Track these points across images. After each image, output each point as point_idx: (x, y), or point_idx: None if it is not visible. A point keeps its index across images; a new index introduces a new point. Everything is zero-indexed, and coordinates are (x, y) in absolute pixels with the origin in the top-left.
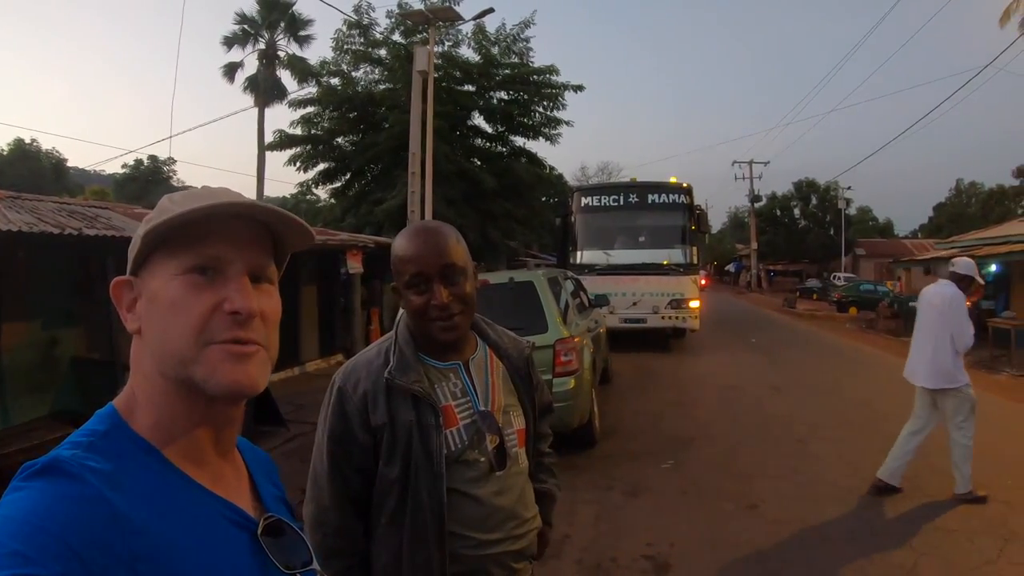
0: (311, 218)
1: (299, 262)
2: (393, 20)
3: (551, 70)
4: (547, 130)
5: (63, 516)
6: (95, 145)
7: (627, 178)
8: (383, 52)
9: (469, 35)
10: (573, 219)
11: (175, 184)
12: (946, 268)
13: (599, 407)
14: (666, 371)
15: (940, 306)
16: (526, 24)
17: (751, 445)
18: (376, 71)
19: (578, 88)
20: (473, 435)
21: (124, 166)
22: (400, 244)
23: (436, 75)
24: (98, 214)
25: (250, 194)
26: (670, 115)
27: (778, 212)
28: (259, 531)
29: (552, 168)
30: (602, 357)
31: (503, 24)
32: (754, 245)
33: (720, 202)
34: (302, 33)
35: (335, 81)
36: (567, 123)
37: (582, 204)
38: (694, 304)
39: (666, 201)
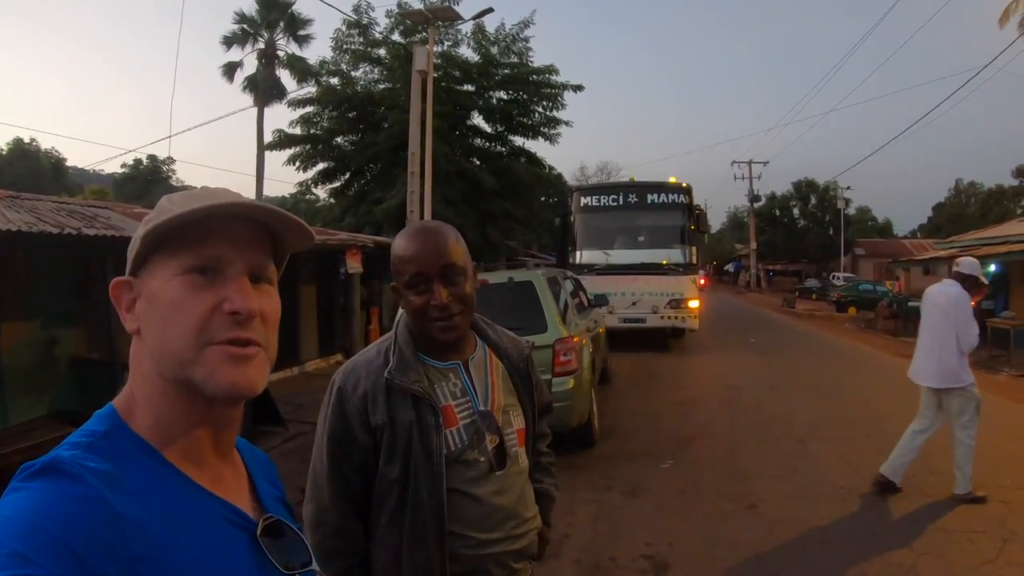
0: (310, 217)
1: (298, 262)
2: (392, 20)
3: (550, 70)
4: (546, 130)
5: (63, 517)
6: (94, 145)
7: (626, 178)
8: (382, 52)
9: (468, 35)
10: (572, 219)
11: (174, 184)
12: (946, 268)
13: (598, 407)
14: (665, 371)
15: (945, 306)
16: (525, 24)
17: (750, 445)
18: (375, 71)
19: (577, 88)
20: (473, 435)
21: (123, 166)
22: (400, 244)
23: (435, 75)
24: (97, 214)
25: (249, 194)
26: (669, 115)
27: (777, 212)
28: (258, 532)
29: (551, 168)
30: (601, 357)
31: (502, 24)
32: (753, 245)
33: (719, 202)
34: (301, 33)
35: (334, 81)
36: (566, 123)
37: (581, 204)
38: (693, 304)
39: (665, 201)
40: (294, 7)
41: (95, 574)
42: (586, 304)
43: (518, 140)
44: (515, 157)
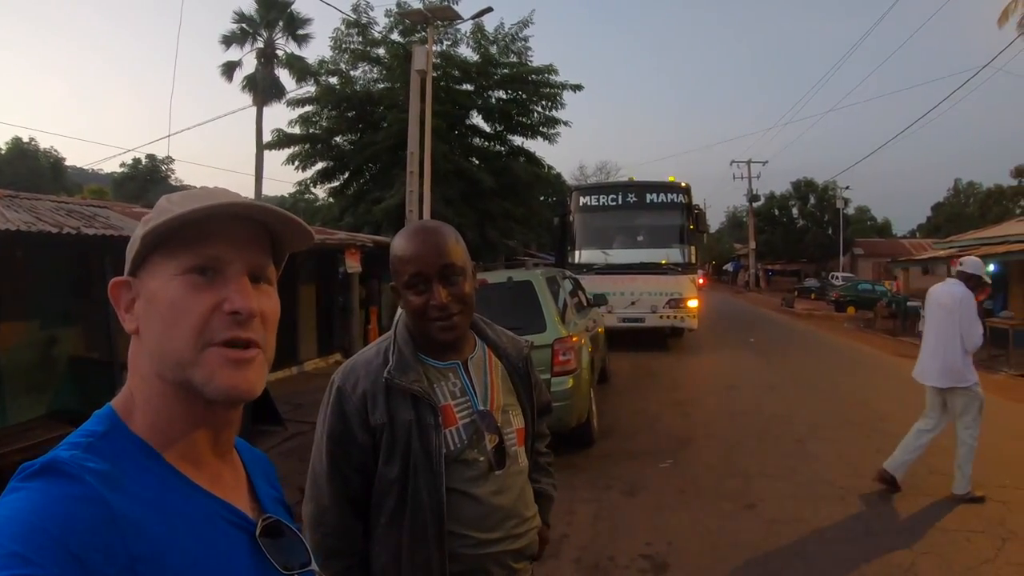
0: (309, 217)
1: (297, 261)
2: (392, 19)
3: (549, 69)
4: (545, 129)
5: (62, 517)
6: (93, 144)
7: (625, 177)
8: (381, 51)
9: (468, 34)
10: (571, 218)
11: (173, 183)
12: (944, 268)
13: (597, 406)
14: (664, 370)
15: (949, 305)
16: (525, 23)
17: (749, 445)
18: (374, 70)
19: (576, 87)
20: (472, 434)
21: (122, 165)
22: (399, 244)
23: (434, 74)
24: (96, 213)
25: (248, 193)
26: (668, 115)
27: (776, 212)
28: (257, 532)
29: (550, 167)
30: (600, 356)
31: (502, 23)
32: (752, 244)
33: (718, 202)
34: (300, 32)
35: (333, 80)
36: (565, 123)
37: (580, 203)
38: (692, 303)
39: (664, 200)
40: (293, 6)
41: (94, 574)
42: (585, 304)
43: (517, 140)
44: (514, 157)
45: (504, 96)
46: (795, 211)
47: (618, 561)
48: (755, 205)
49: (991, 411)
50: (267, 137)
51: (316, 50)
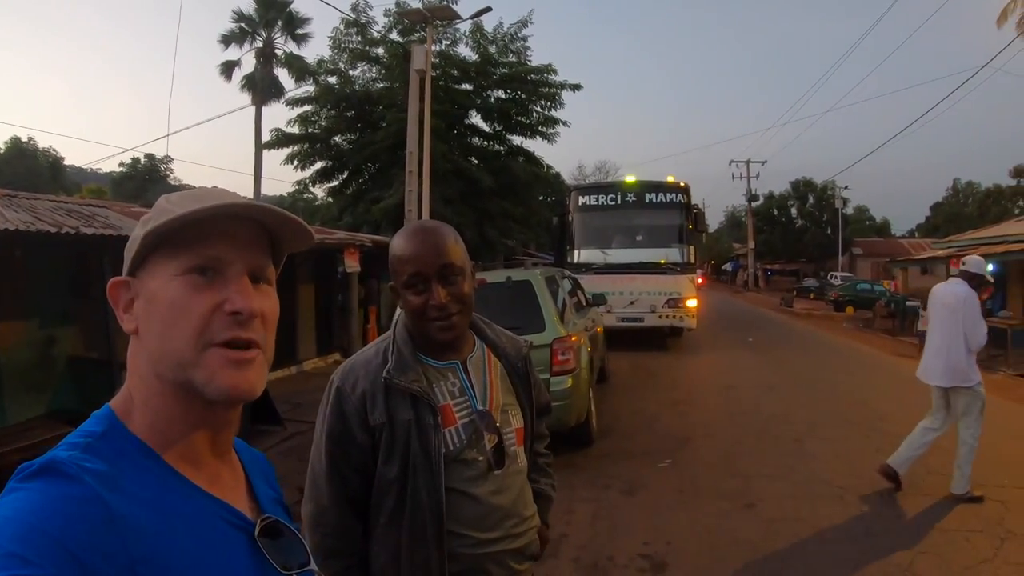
0: (308, 216)
1: (296, 261)
2: (391, 19)
3: (549, 69)
4: (544, 129)
5: (61, 518)
6: (92, 143)
7: (624, 177)
8: (380, 51)
9: (467, 34)
10: (570, 218)
11: (172, 183)
12: (943, 267)
13: (596, 406)
14: (663, 370)
15: (953, 305)
16: (524, 23)
17: (748, 444)
18: (373, 70)
19: (575, 87)
20: (471, 434)
21: (121, 164)
22: (398, 244)
23: (433, 74)
24: (95, 213)
25: (247, 192)
26: (667, 114)
27: (775, 211)
28: (256, 532)
29: (549, 167)
30: (599, 356)
31: (501, 23)
32: (751, 244)
33: (717, 201)
34: (299, 31)
35: (332, 80)
36: (564, 123)
37: (579, 203)
38: (691, 303)
39: (663, 200)
40: (292, 6)
41: (93, 575)
42: (584, 303)
43: (516, 139)
44: (513, 156)
45: (503, 96)
46: (794, 211)
47: (617, 560)
48: (754, 205)
49: (990, 411)
50: (266, 136)
51: (315, 50)
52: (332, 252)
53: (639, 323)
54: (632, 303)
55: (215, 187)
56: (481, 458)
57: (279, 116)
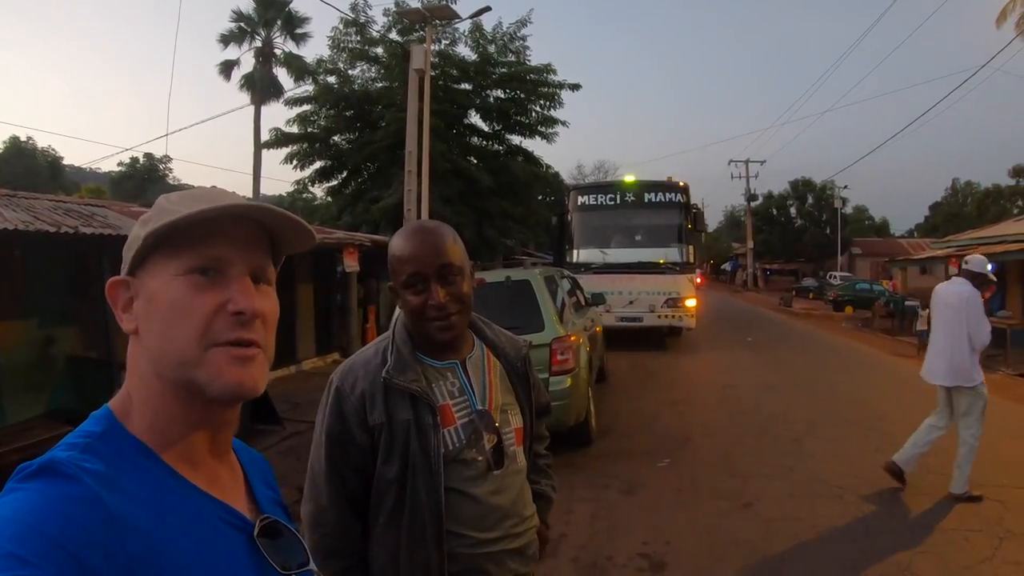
0: (307, 216)
1: (295, 261)
2: (390, 18)
3: (548, 69)
4: (544, 129)
5: (60, 518)
6: (91, 143)
7: (623, 176)
8: (380, 50)
9: (466, 33)
10: (569, 217)
11: (171, 182)
12: (942, 267)
13: (595, 406)
14: (662, 370)
15: (957, 304)
16: (523, 23)
17: (747, 444)
18: (373, 69)
19: (575, 87)
20: (471, 434)
21: (120, 164)
22: (397, 244)
23: (433, 73)
24: (94, 212)
25: (247, 192)
26: (667, 114)
27: (774, 211)
28: (255, 533)
29: (548, 167)
30: (598, 356)
31: (500, 23)
32: (750, 244)
33: (716, 201)
34: (299, 31)
35: (332, 79)
36: (563, 122)
37: (578, 202)
38: (690, 303)
39: (662, 200)
40: (291, 5)
41: (92, 575)
42: (583, 303)
43: (515, 139)
44: (512, 156)
45: (502, 95)
46: (793, 210)
47: (616, 560)
48: (753, 204)
49: (989, 410)
50: (265, 136)
51: (314, 49)
52: (331, 252)
53: (638, 323)
54: (631, 303)
55: (214, 187)
56: (480, 458)
57: (278, 116)
